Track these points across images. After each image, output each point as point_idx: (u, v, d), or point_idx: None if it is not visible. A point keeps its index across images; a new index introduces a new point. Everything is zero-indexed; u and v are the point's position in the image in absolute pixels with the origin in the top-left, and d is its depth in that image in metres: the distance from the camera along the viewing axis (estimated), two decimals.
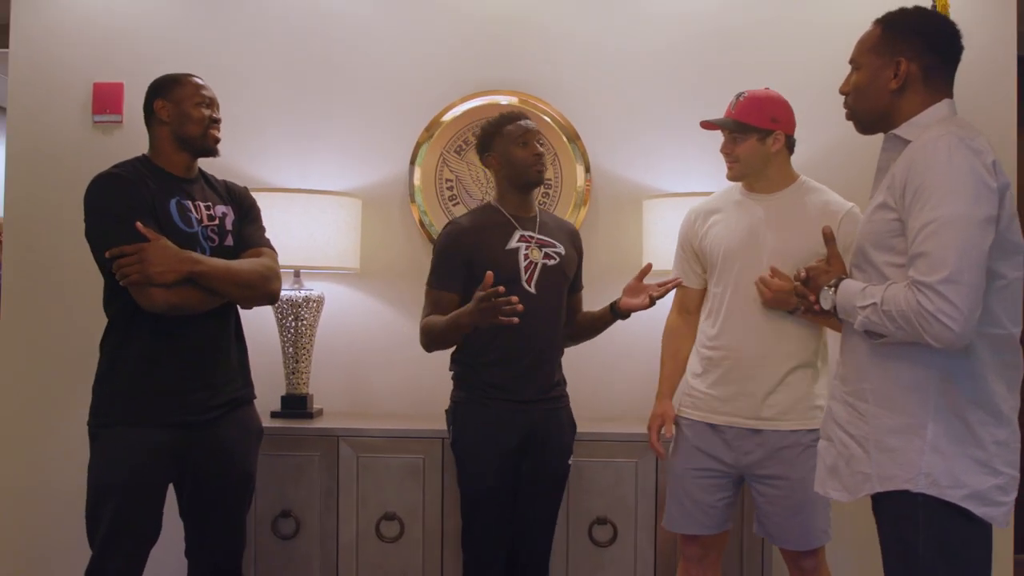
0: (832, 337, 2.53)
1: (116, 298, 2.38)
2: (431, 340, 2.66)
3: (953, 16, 3.21)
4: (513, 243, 2.67)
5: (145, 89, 2.56)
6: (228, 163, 3.48)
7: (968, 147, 1.76)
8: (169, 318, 2.35)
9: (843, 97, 2.06)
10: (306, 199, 3.24)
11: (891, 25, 1.96)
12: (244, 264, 2.48)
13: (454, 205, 3.50)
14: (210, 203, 2.53)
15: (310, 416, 3.26)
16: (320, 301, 3.29)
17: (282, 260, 3.14)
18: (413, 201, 3.50)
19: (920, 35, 1.93)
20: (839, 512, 2.67)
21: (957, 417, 1.82)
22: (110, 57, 3.53)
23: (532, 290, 2.64)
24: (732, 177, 2.68)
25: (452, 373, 2.78)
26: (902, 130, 1.93)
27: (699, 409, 2.65)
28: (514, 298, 2.37)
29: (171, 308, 2.32)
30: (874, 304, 1.80)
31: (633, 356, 3.43)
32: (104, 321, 2.48)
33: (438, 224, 3.46)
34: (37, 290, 3.53)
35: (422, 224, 3.49)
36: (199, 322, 2.41)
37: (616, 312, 2.76)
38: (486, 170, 3.07)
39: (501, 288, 2.35)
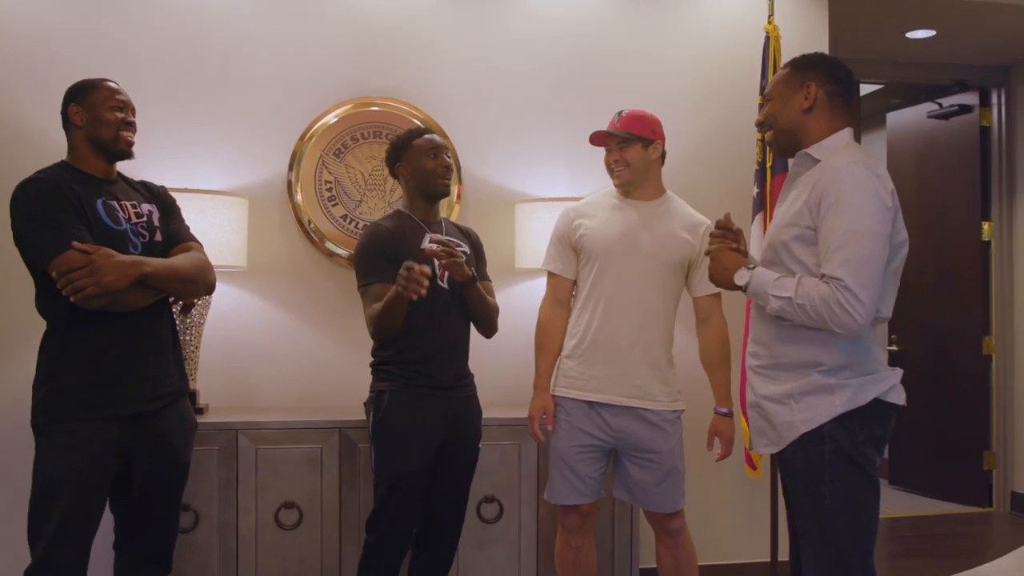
0: None
1: (52, 299, 2.41)
2: (379, 324, 2.75)
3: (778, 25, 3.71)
4: (425, 244, 2.86)
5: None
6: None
7: (875, 174, 2.16)
8: (107, 315, 2.40)
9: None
10: (196, 199, 3.27)
11: (798, 62, 2.36)
12: (183, 260, 2.58)
13: (333, 205, 3.64)
14: (135, 202, 2.58)
15: (199, 412, 3.29)
16: (207, 300, 3.34)
17: None
18: (293, 201, 3.61)
19: (822, 68, 2.33)
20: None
21: (853, 357, 2.21)
22: None
23: (445, 285, 2.86)
24: (621, 183, 2.97)
25: (373, 367, 2.93)
26: (812, 150, 2.30)
27: (576, 388, 2.94)
28: (424, 270, 2.53)
29: (107, 305, 2.37)
30: (788, 298, 2.16)
31: (504, 349, 3.68)
32: (37, 320, 2.49)
33: (318, 223, 3.61)
34: None
35: (301, 223, 3.61)
36: (137, 318, 2.47)
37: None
38: (363, 174, 3.33)
39: (428, 270, 2.53)
